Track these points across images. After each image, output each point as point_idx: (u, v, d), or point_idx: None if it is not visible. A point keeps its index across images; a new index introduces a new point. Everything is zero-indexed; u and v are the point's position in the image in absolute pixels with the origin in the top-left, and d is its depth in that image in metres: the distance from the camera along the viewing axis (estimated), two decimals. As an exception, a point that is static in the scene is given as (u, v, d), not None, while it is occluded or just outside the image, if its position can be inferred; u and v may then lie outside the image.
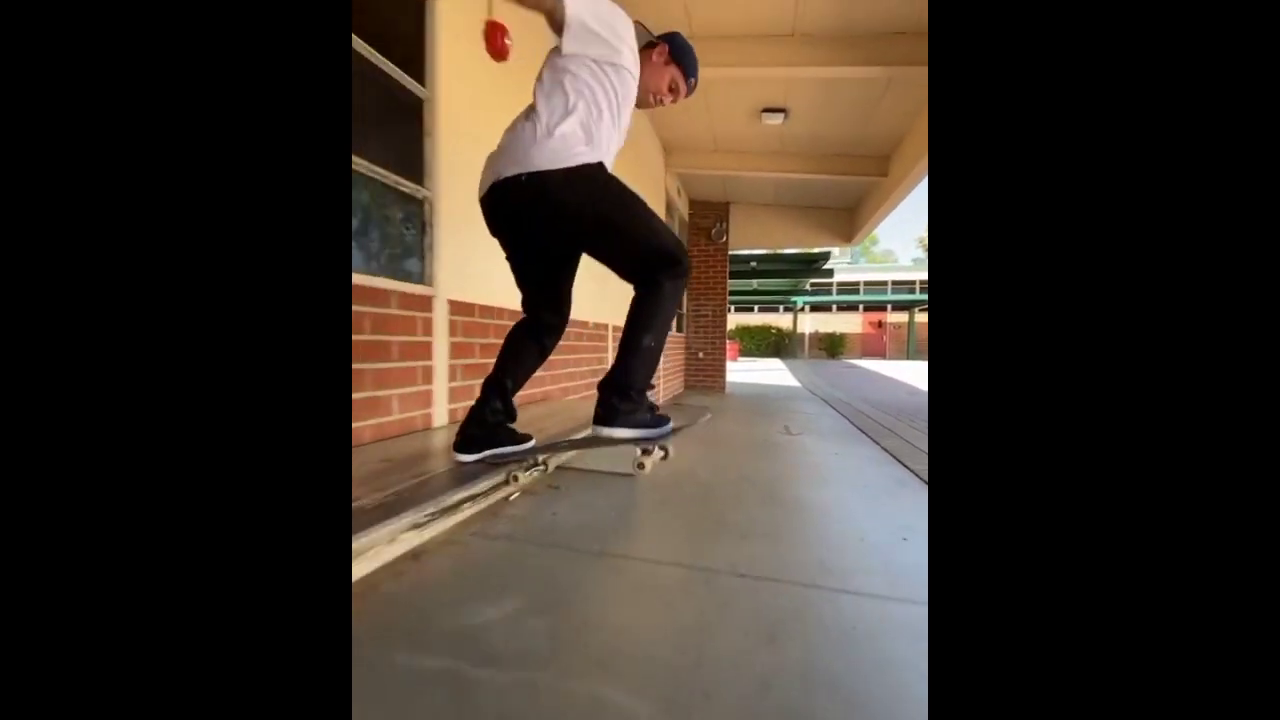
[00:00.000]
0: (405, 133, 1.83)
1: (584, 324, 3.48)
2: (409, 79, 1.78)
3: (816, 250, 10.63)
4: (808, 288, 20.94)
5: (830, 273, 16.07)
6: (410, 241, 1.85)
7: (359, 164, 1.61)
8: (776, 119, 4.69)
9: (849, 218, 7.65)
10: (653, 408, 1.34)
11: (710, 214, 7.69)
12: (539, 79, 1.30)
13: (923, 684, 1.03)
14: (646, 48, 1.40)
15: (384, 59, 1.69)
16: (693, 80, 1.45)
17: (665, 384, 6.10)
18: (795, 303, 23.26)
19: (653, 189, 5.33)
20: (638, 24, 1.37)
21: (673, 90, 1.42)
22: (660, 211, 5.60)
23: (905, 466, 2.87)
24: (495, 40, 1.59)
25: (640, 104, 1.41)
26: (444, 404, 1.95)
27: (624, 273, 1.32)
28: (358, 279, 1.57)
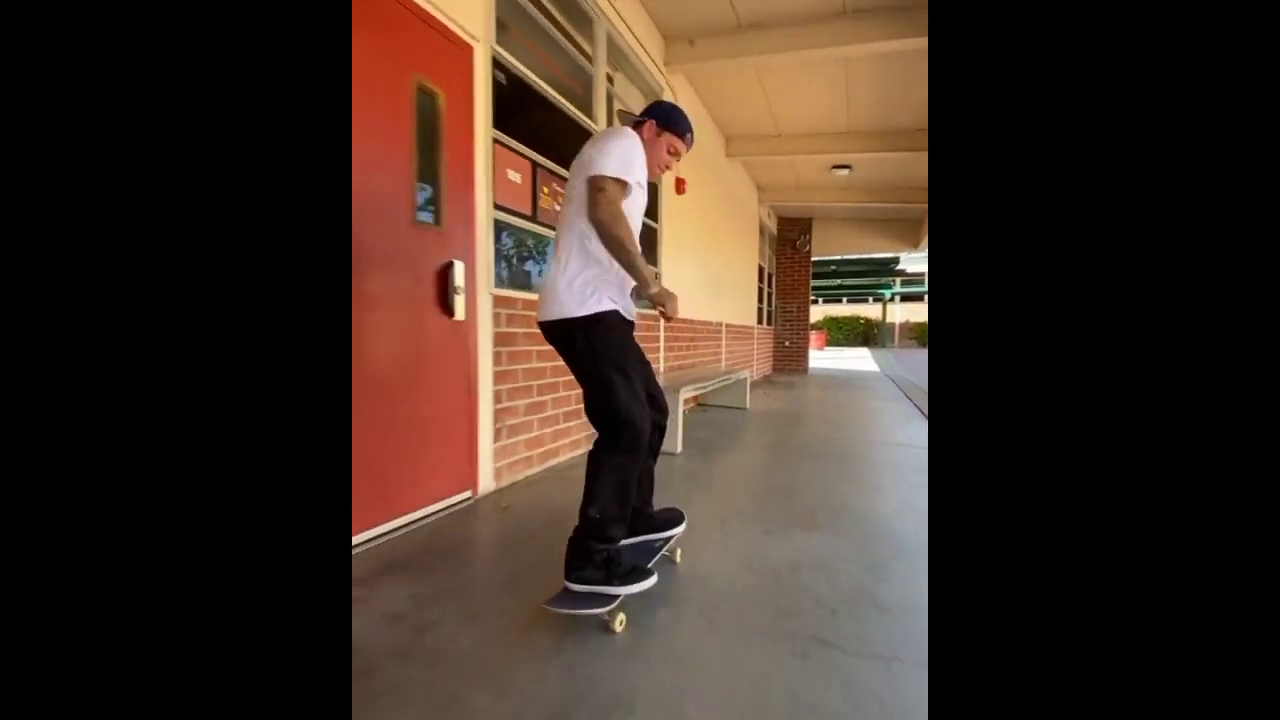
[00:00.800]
0: (649, 243, 4.02)
1: (705, 323, 5.54)
2: (650, 220, 3.98)
3: (888, 255, 11.89)
4: (897, 282, 21.37)
5: (902, 272, 17.23)
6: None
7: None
8: (844, 171, 6.45)
9: (915, 228, 9.02)
10: (609, 563, 1.26)
11: (795, 228, 9.41)
12: (566, 216, 1.31)
13: (879, 457, 3.46)
14: (636, 125, 1.40)
15: (646, 217, 3.91)
16: (688, 135, 1.43)
17: (757, 367, 8.02)
18: (884, 294, 23.64)
19: (747, 221, 7.28)
20: (623, 112, 1.48)
21: (673, 153, 1.42)
22: (753, 233, 7.54)
23: (920, 411, 4.70)
24: (680, 186, 4.01)
25: (651, 177, 1.41)
26: (662, 366, 4.15)
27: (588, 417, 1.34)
28: (640, 311, 3.78)
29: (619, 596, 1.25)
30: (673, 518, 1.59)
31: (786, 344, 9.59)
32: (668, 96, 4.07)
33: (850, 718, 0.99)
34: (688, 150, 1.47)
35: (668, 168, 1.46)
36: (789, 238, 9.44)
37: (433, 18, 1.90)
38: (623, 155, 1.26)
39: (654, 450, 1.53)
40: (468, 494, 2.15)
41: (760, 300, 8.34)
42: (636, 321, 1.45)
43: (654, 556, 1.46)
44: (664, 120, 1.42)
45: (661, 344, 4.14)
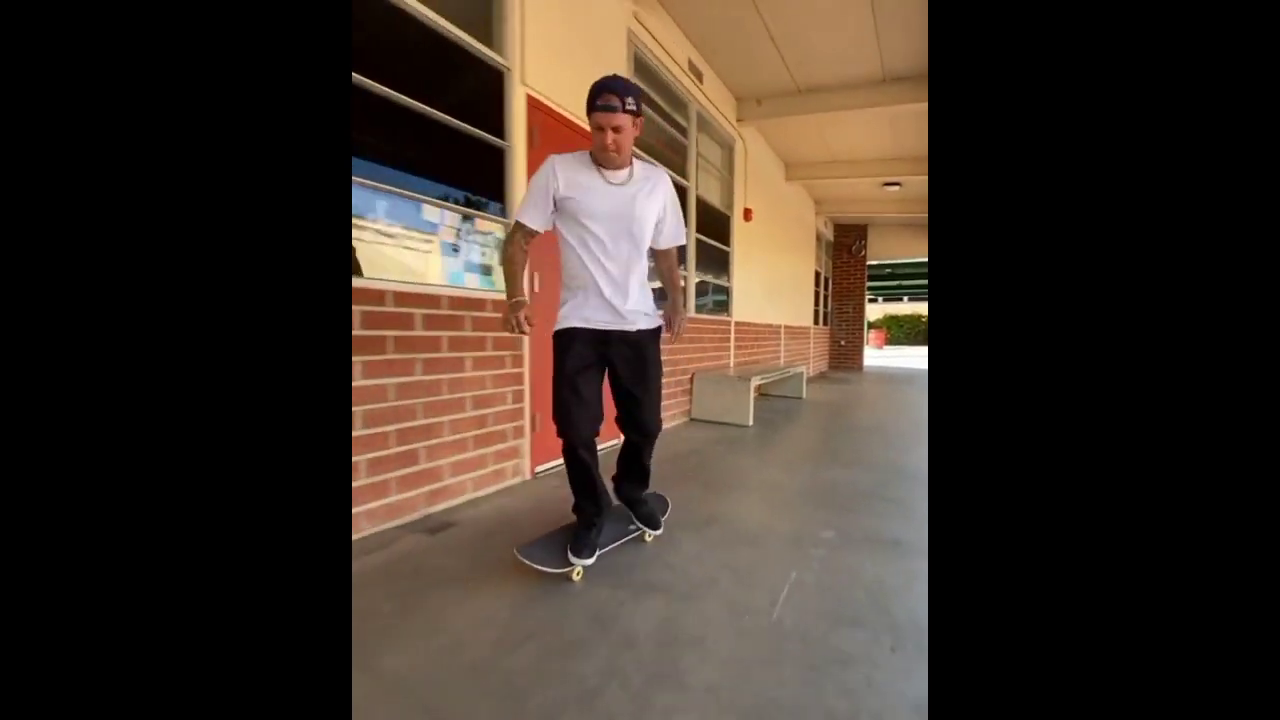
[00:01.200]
0: (723, 264, 5.05)
1: (766, 325, 6.47)
2: (723, 245, 5.00)
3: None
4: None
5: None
6: (725, 301, 5.09)
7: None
8: (895, 188, 7.16)
9: (970, 232, 9.41)
10: (578, 527, 1.60)
11: (851, 234, 10.06)
12: None
13: (909, 432, 4.51)
14: None
15: (721, 243, 4.93)
16: (598, 100, 1.35)
17: (813, 364, 8.81)
18: (948, 291, 23.11)
19: (805, 233, 8.11)
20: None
21: (601, 128, 1.37)
22: (810, 242, 8.35)
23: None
24: (748, 215, 5.06)
25: (608, 163, 1.43)
26: (732, 361, 5.16)
27: None
28: (714, 317, 4.80)
29: (571, 564, 1.52)
30: (648, 518, 1.79)
31: (842, 343, 10.26)
32: (738, 145, 5.08)
33: (853, 530, 1.99)
34: (615, 113, 1.36)
35: (606, 143, 1.40)
36: (845, 243, 10.10)
37: (601, 140, 3.05)
38: (523, 198, 1.50)
39: (641, 466, 1.73)
40: (619, 440, 3.30)
41: (816, 303, 9.12)
42: (665, 323, 1.64)
43: (620, 539, 1.74)
44: (587, 107, 1.40)
45: (732, 343, 5.17)
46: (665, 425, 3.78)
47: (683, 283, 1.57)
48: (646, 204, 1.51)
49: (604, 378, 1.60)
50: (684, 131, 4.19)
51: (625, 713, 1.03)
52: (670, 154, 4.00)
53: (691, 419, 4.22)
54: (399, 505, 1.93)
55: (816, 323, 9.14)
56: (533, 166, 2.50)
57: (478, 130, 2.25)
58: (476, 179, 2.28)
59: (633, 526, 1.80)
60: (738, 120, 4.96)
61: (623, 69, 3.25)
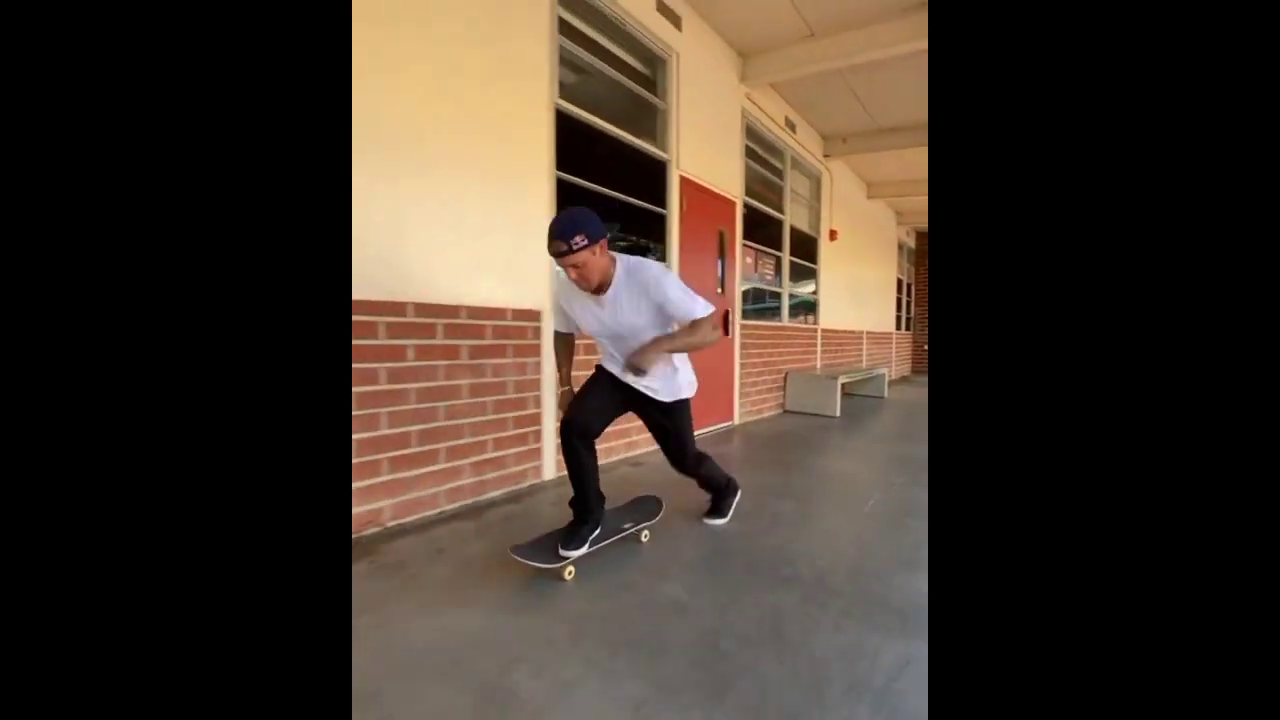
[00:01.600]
0: (811, 278, 5.88)
1: (849, 331, 7.13)
2: (811, 264, 5.83)
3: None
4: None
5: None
6: (809, 311, 5.91)
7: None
8: (975, 200, 7.55)
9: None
10: (573, 523, 1.71)
11: (934, 241, 10.27)
12: None
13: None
14: None
15: (809, 262, 5.77)
16: (551, 249, 1.47)
17: (895, 367, 9.23)
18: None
19: (886, 244, 8.63)
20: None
21: (568, 270, 1.50)
22: (892, 253, 8.85)
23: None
24: (833, 236, 5.92)
25: (590, 290, 1.58)
26: (819, 363, 5.96)
27: None
28: (803, 325, 5.63)
29: (565, 558, 1.61)
30: (716, 507, 2.16)
31: (925, 347, 10.51)
32: (825, 177, 5.89)
33: (920, 479, 2.83)
34: (565, 256, 1.47)
35: (573, 278, 1.54)
36: (926, 250, 10.36)
37: (722, 196, 4.06)
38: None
39: (702, 478, 2.11)
40: (730, 422, 4.29)
41: (899, 309, 9.54)
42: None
43: (613, 536, 1.79)
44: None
45: (819, 347, 5.97)
46: (761, 414, 4.71)
47: (685, 343, 1.68)
48: (630, 311, 1.61)
49: (618, 398, 1.80)
50: (779, 174, 5.10)
51: (789, 536, 2.01)
52: (767, 192, 4.93)
53: (785, 410, 5.10)
54: (608, 449, 3.07)
55: (899, 328, 9.55)
56: (684, 228, 3.56)
57: (650, 205, 3.35)
58: (649, 235, 3.40)
59: (626, 526, 1.90)
60: (824, 156, 5.78)
61: (737, 137, 4.24)
